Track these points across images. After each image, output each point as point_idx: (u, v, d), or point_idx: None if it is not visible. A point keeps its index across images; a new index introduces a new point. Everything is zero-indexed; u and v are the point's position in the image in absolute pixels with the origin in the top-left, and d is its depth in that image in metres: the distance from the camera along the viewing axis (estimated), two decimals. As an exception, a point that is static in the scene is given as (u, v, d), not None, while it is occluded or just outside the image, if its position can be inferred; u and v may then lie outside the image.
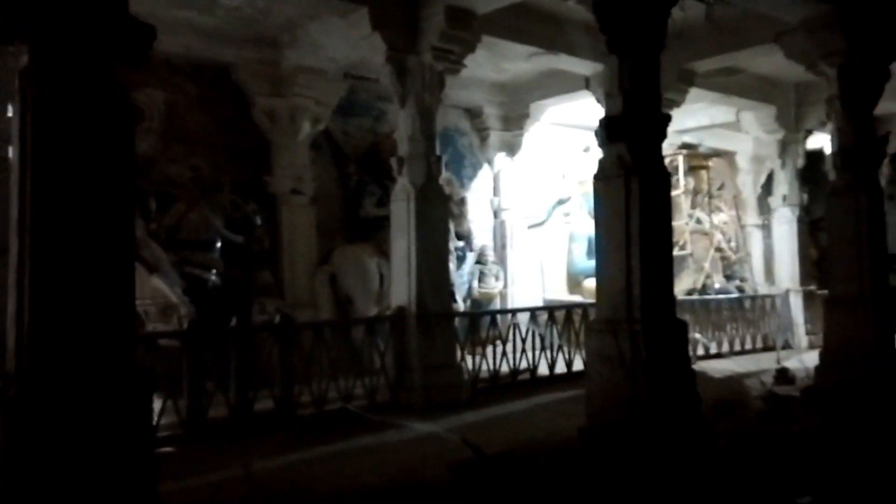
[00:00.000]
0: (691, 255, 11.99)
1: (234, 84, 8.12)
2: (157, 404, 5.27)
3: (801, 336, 10.69)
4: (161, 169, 7.63)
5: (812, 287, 11.07)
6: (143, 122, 7.29)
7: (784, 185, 11.24)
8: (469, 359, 7.31)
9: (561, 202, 11.46)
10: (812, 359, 7.55)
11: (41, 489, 2.83)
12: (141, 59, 3.06)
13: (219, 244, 7.68)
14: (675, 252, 10.55)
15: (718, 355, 9.76)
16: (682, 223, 11.76)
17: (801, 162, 11.15)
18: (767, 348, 10.26)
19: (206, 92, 8.07)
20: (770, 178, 11.75)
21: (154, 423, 5.18)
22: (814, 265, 11.86)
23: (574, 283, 11.16)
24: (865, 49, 6.73)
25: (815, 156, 11.77)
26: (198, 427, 5.52)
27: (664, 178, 5.25)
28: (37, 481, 2.84)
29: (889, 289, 7.01)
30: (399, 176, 6.94)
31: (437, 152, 6.99)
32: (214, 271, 7.56)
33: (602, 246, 5.25)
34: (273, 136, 8.30)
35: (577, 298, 10.31)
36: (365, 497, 4.31)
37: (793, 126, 10.88)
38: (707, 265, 11.99)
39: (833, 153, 7.17)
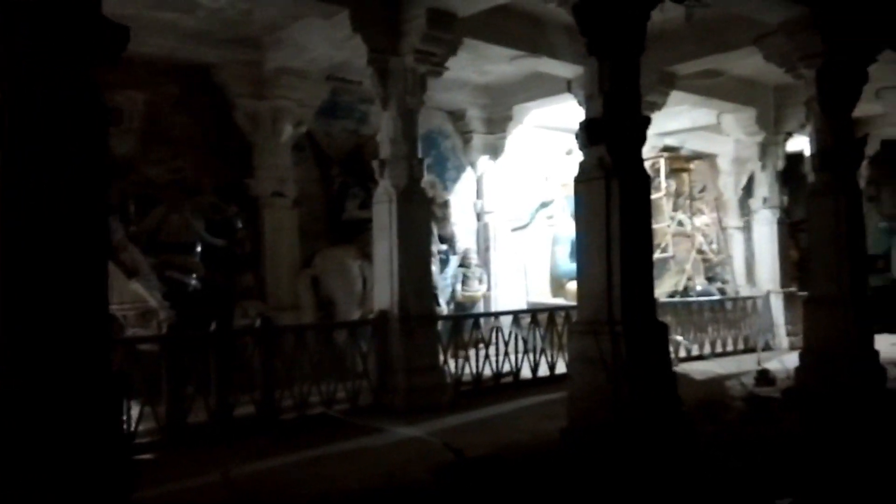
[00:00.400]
0: (673, 257, 12.05)
1: (215, 85, 8.06)
2: (135, 410, 5.22)
3: (781, 337, 10.77)
4: (141, 171, 7.57)
5: (793, 288, 11.16)
6: (122, 124, 7.22)
7: (764, 187, 11.33)
8: (452, 362, 7.30)
9: (544, 205, 11.46)
10: (792, 360, 7.60)
11: (14, 492, 2.79)
12: (114, 59, 3.04)
13: (199, 247, 7.60)
14: (657, 254, 10.62)
15: (700, 357, 9.81)
16: (663, 225, 11.83)
17: (781, 164, 11.25)
18: (748, 350, 10.32)
19: (188, 93, 8.00)
20: (751, 181, 11.83)
21: (133, 428, 5.14)
22: (795, 266, 11.95)
23: (557, 285, 11.17)
24: (843, 51, 6.80)
25: (796, 158, 11.88)
26: (177, 432, 5.47)
27: (644, 180, 5.28)
28: (8, 484, 2.79)
29: (868, 289, 7.07)
30: (381, 178, 6.91)
31: (420, 155, 6.98)
32: (195, 275, 7.47)
33: (583, 247, 5.27)
34: (255, 137, 8.24)
35: (560, 301, 10.33)
36: (347, 501, 4.28)
37: (773, 128, 10.98)
38: (688, 267, 12.04)
39: (812, 155, 7.23)
